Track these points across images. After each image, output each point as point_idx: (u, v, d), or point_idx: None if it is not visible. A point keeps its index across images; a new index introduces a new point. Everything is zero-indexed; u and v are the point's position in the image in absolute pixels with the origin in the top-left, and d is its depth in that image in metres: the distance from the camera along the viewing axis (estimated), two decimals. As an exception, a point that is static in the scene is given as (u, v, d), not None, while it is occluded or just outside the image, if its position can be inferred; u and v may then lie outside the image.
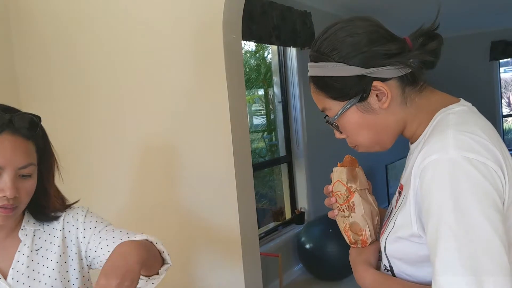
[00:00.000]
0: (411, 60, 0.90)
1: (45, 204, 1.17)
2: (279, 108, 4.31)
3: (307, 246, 3.84)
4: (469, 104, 0.93)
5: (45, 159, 1.14)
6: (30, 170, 1.07)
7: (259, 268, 2.07)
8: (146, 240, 1.13)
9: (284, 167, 4.36)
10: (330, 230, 3.79)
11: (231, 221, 1.97)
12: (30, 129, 1.07)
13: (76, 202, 1.27)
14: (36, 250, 1.17)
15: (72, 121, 2.30)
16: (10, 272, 1.12)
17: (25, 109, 1.14)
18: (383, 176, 5.13)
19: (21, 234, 1.16)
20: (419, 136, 0.93)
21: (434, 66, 0.94)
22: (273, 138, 4.75)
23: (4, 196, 1.03)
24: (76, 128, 2.30)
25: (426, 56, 0.90)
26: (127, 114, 2.21)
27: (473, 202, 0.76)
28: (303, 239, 3.90)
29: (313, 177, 4.39)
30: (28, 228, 1.17)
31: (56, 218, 1.20)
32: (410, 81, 0.92)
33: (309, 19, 4.08)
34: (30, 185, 1.08)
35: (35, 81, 2.42)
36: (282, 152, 4.33)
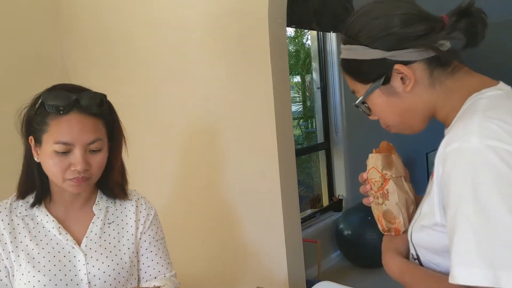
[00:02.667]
0: (441, 41, 0.86)
1: (110, 180, 1.27)
2: (317, 94, 4.28)
3: (345, 233, 3.82)
4: (509, 88, 0.88)
5: (114, 134, 1.23)
6: (98, 145, 1.16)
7: (301, 253, 2.08)
8: None
9: (322, 154, 4.34)
10: (369, 218, 3.76)
11: (274, 206, 1.98)
12: (97, 106, 1.14)
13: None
14: (109, 224, 1.28)
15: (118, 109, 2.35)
16: (84, 240, 1.24)
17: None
18: (424, 164, 5.03)
19: (95, 208, 1.27)
20: (451, 121, 0.89)
21: (475, 45, 0.89)
22: (309, 126, 4.73)
23: (75, 170, 1.13)
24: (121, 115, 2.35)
25: (455, 36, 0.86)
26: (170, 100, 2.24)
27: (494, 193, 0.73)
28: (341, 226, 3.88)
29: (352, 165, 4.35)
30: (102, 204, 1.29)
31: (122, 196, 1.30)
32: (439, 63, 0.88)
33: (350, 3, 4.02)
34: (100, 158, 1.18)
35: (82, 72, 2.50)
36: (320, 139, 4.30)
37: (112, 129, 1.22)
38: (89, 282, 1.21)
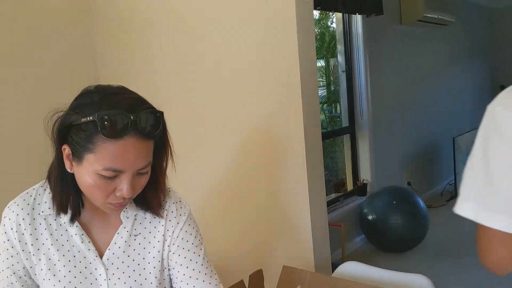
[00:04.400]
0: None
1: (150, 196, 1.13)
2: (342, 77, 4.24)
3: (370, 217, 3.80)
4: None
5: (160, 153, 1.08)
6: (147, 169, 1.04)
7: (327, 235, 2.08)
8: None
9: (346, 138, 4.31)
10: (394, 202, 3.74)
11: (300, 188, 1.98)
12: (154, 128, 1.00)
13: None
14: (135, 236, 1.15)
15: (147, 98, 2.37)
16: (107, 252, 1.13)
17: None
18: (450, 149, 4.96)
19: (122, 215, 1.15)
20: None
21: None
22: (333, 110, 4.69)
23: (120, 196, 1.02)
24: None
25: None
26: (204, 89, 2.24)
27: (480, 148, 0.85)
28: (365, 210, 3.86)
29: (377, 149, 4.32)
30: (130, 211, 1.15)
31: (159, 214, 1.16)
32: None
33: (376, -15, 3.95)
34: (145, 180, 1.05)
35: (113, 59, 2.52)
36: (344, 122, 4.27)
37: (159, 148, 1.07)
38: None
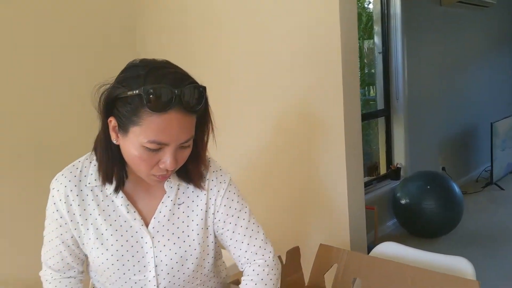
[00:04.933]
0: None
1: (192, 168, 1.16)
2: (379, 59, 4.17)
3: (403, 201, 3.77)
4: None
5: (202, 127, 1.11)
6: (189, 142, 1.06)
7: (363, 217, 2.08)
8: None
9: (381, 121, 4.25)
10: (428, 187, 3.69)
11: (339, 168, 1.98)
12: (197, 103, 1.01)
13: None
14: (179, 205, 1.19)
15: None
16: (152, 221, 1.16)
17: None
18: (487, 135, 4.84)
19: (166, 185, 1.18)
20: None
21: None
22: (367, 93, 4.63)
23: (164, 168, 1.04)
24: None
25: None
26: (242, 66, 2.24)
27: None
28: (398, 194, 3.82)
29: (412, 133, 4.25)
30: (173, 181, 1.18)
31: (200, 186, 1.19)
32: None
33: (417, -36, 3.84)
34: (187, 153, 1.08)
35: (151, 37, 2.54)
36: (380, 105, 4.21)
37: (201, 122, 1.09)
38: (156, 266, 1.15)
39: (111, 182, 1.12)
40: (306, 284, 1.58)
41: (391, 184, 4.11)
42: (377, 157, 4.40)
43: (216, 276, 1.34)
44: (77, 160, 1.18)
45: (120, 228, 1.14)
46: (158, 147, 1.01)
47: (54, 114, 2.30)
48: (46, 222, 1.18)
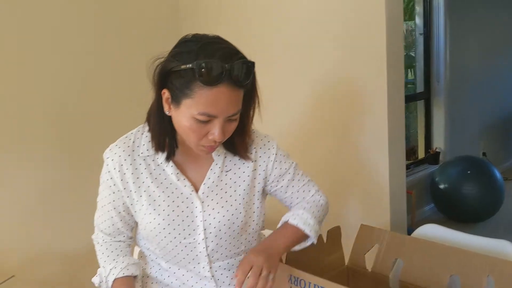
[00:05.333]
0: None
1: (238, 141, 1.22)
2: (420, 40, 4.07)
3: (442, 186, 3.70)
4: None
5: (249, 101, 1.15)
6: (237, 116, 1.11)
7: (404, 200, 2.07)
8: (298, 228, 1.26)
9: (420, 104, 4.17)
10: (469, 172, 3.61)
11: (381, 149, 1.97)
12: (245, 78, 1.05)
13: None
14: (226, 172, 1.25)
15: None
16: (202, 187, 1.23)
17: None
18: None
19: (214, 154, 1.24)
20: None
21: None
22: (405, 76, 4.54)
23: (212, 139, 1.10)
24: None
25: None
26: (285, 40, 2.23)
27: None
28: (437, 179, 3.76)
29: (453, 116, 4.15)
30: (221, 150, 1.24)
31: (246, 158, 1.25)
32: None
33: None
34: (234, 126, 1.13)
35: (197, 13, 2.56)
36: (419, 88, 4.12)
37: (248, 96, 1.14)
38: (205, 229, 1.22)
39: (163, 151, 1.19)
40: (346, 264, 1.59)
41: (429, 169, 4.04)
42: (415, 141, 4.33)
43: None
44: (129, 132, 1.25)
45: (172, 194, 1.21)
46: (207, 119, 1.06)
47: (102, 95, 2.35)
48: (100, 189, 1.26)
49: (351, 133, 2.05)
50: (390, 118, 1.93)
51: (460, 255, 1.35)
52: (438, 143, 4.17)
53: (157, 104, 1.13)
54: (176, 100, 1.08)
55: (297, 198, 1.35)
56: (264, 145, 1.29)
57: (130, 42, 2.43)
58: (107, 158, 1.22)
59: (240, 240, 1.28)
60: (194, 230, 1.21)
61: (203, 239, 1.22)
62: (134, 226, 1.31)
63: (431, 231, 1.59)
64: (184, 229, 1.21)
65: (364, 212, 2.06)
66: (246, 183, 1.26)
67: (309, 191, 1.36)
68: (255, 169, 1.28)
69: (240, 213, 1.24)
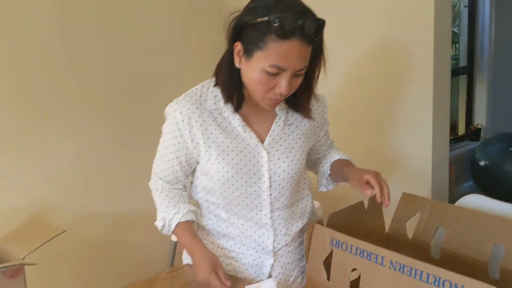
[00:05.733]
0: None
1: (301, 98, 1.28)
2: (464, 13, 3.95)
3: (482, 163, 3.64)
4: None
5: (315, 60, 1.19)
6: (303, 71, 1.16)
7: (447, 172, 2.07)
8: None
9: (463, 79, 4.07)
10: (511, 149, 3.53)
11: (424, 117, 1.95)
12: (316, 35, 1.10)
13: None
14: (289, 125, 1.34)
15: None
16: (267, 138, 1.30)
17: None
18: None
19: (277, 108, 1.31)
20: None
21: None
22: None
23: (278, 92, 1.16)
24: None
25: None
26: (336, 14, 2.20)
27: None
28: (478, 155, 3.69)
29: (496, 92, 4.04)
30: (283, 105, 1.32)
31: (306, 114, 1.32)
32: None
33: None
34: (299, 82, 1.18)
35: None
36: (462, 62, 4.02)
37: (315, 54, 1.18)
38: (270, 178, 1.30)
39: (232, 102, 1.25)
40: (386, 231, 1.59)
41: (469, 145, 3.97)
42: (455, 117, 4.24)
43: (305, 197, 1.46)
44: (194, 88, 1.31)
45: (239, 145, 1.28)
46: (277, 72, 1.12)
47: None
48: (163, 139, 1.33)
49: (396, 103, 2.03)
50: (435, 89, 1.90)
51: (505, 224, 1.34)
52: (480, 119, 4.08)
53: (228, 57, 1.19)
54: (248, 52, 1.13)
55: (320, 154, 1.51)
56: (319, 99, 1.38)
57: (171, 29, 2.44)
58: (175, 110, 1.27)
59: (297, 189, 1.39)
60: (259, 178, 1.29)
61: (268, 187, 1.30)
62: (189, 175, 1.39)
63: (474, 201, 1.58)
64: (250, 178, 1.28)
65: (405, 184, 2.05)
66: (305, 136, 1.36)
67: (329, 143, 1.52)
68: (313, 123, 1.38)
69: (301, 162, 1.34)
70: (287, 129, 1.33)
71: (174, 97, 1.32)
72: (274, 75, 1.12)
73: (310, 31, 1.08)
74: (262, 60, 1.10)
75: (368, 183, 1.26)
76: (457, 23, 4.10)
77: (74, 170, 2.18)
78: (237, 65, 1.17)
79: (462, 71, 4.00)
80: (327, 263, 1.31)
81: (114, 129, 2.30)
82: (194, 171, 1.38)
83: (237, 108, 1.25)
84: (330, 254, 1.30)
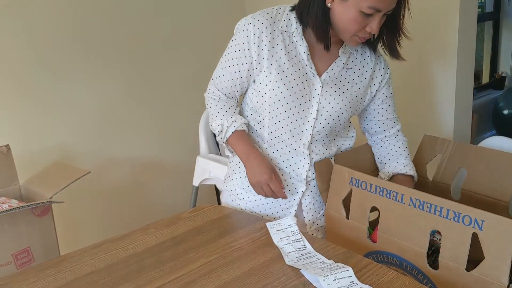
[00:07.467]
0: None
1: (387, 38, 1.33)
2: (492, -44, 3.79)
3: (505, 112, 3.57)
4: None
5: (402, 2, 1.26)
6: (391, 12, 1.23)
7: (469, 121, 2.08)
8: None
9: (488, 26, 3.94)
10: (536, 97, 3.45)
11: (449, 67, 1.92)
12: None
13: None
14: (347, 69, 1.38)
15: None
16: (324, 74, 1.35)
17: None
18: None
19: (341, 51, 1.37)
20: None
21: None
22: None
23: (369, 32, 1.24)
24: None
25: None
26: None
27: None
28: (501, 104, 3.62)
29: (523, 39, 3.91)
30: (347, 48, 1.37)
31: (394, 55, 1.35)
32: None
33: None
34: (383, 21, 1.24)
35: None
36: (488, 7, 3.88)
37: None
38: (318, 110, 1.35)
39: (325, 41, 1.29)
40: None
41: (493, 94, 3.89)
42: (479, 65, 4.13)
43: (342, 143, 1.49)
44: (271, 8, 1.35)
45: (298, 71, 1.33)
46: (372, 12, 1.19)
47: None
48: (229, 51, 1.36)
49: (420, 48, 1.99)
50: (460, 36, 1.87)
51: (529, 165, 1.32)
52: (505, 67, 3.97)
53: None
54: None
55: (379, 127, 1.50)
56: (383, 61, 1.44)
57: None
58: (249, 24, 1.31)
59: (339, 133, 1.46)
60: (308, 108, 1.35)
61: (313, 118, 1.35)
62: (243, 93, 1.43)
63: (498, 143, 1.55)
64: (300, 104, 1.33)
65: (427, 126, 2.04)
66: (362, 84, 1.40)
67: (393, 127, 1.51)
68: (372, 78, 1.42)
69: (350, 107, 1.39)
70: (344, 71, 1.38)
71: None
72: (369, 15, 1.20)
73: None
74: (362, 2, 1.17)
75: None
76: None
77: (98, 119, 2.24)
78: (328, 4, 1.23)
79: (488, 17, 3.87)
80: (346, 203, 1.32)
81: (138, 81, 2.33)
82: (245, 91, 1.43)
83: (327, 47, 1.30)
84: (349, 193, 1.31)
